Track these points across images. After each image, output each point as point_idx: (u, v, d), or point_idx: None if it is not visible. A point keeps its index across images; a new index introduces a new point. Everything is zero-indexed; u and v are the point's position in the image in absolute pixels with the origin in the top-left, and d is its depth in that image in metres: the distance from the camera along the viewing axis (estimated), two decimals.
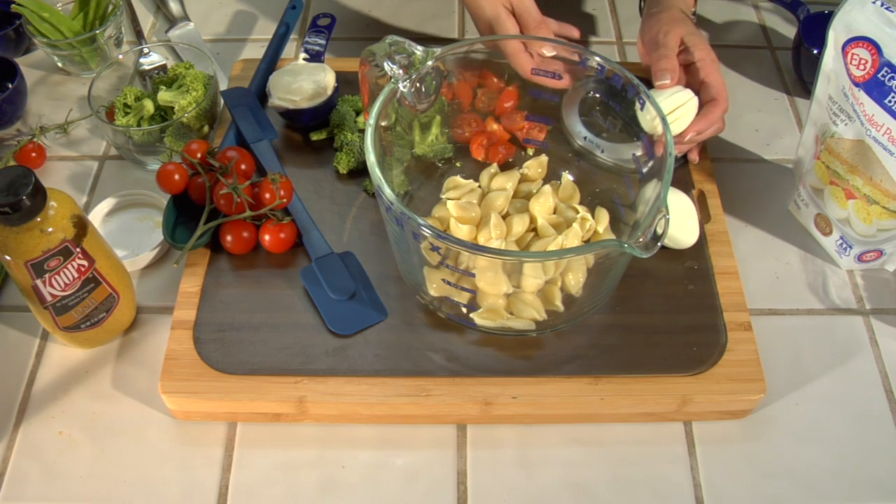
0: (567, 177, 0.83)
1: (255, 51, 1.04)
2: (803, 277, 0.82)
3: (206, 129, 0.91)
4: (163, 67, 0.97)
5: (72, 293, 0.69)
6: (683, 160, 0.87)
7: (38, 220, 0.64)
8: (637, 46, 0.89)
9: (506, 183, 0.80)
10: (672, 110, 0.79)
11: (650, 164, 0.72)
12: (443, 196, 0.82)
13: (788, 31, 1.08)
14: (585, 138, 0.82)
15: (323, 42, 0.95)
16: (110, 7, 1.00)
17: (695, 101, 0.80)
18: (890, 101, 0.69)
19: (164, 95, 0.90)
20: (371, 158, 0.67)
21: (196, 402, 0.70)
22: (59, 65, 1.00)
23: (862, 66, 0.71)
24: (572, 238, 0.74)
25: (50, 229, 0.65)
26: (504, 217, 0.77)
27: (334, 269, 0.77)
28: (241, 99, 0.90)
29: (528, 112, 0.84)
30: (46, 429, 0.71)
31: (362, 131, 0.85)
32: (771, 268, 0.83)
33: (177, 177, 0.80)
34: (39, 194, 0.64)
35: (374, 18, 1.10)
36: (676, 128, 0.80)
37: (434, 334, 0.74)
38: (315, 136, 0.89)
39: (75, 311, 0.71)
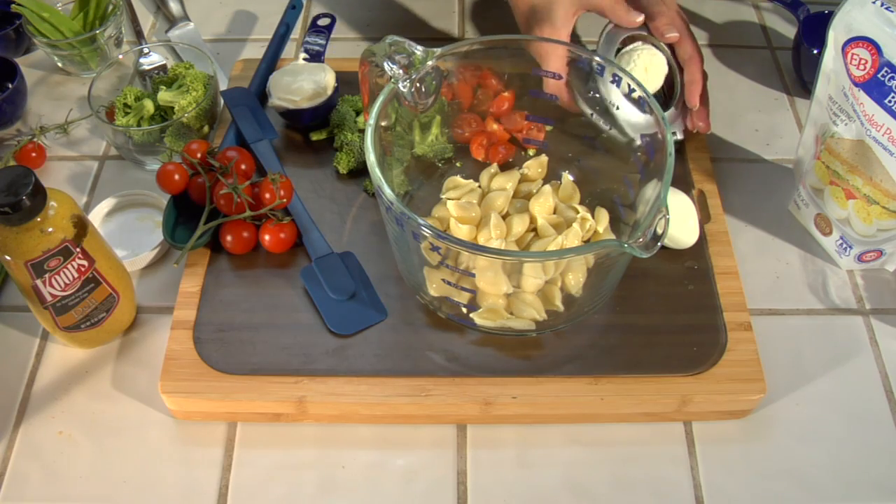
0: (567, 177, 0.83)
1: (255, 51, 1.04)
2: (803, 277, 0.82)
3: (206, 129, 0.91)
4: (163, 67, 0.97)
5: (72, 293, 0.69)
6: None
7: (38, 220, 0.64)
8: None
9: (506, 183, 0.80)
10: (644, 70, 0.80)
11: (649, 163, 0.72)
12: (443, 196, 0.82)
13: (788, 31, 1.08)
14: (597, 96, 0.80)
15: (323, 42, 0.95)
16: (110, 7, 1.00)
17: (660, 56, 0.80)
18: (890, 101, 0.69)
19: (164, 95, 0.90)
20: (371, 158, 0.67)
21: (196, 402, 0.70)
22: (59, 65, 1.00)
23: (862, 66, 0.71)
24: (572, 238, 0.74)
25: (50, 229, 0.65)
26: (504, 217, 0.77)
27: (334, 269, 0.77)
28: (241, 99, 0.90)
29: (528, 112, 0.84)
30: (46, 429, 0.71)
31: (362, 131, 0.85)
32: (771, 268, 0.83)
33: (177, 177, 0.80)
34: (39, 194, 0.64)
35: (374, 18, 1.09)
36: (651, 87, 0.80)
37: (434, 334, 0.74)
38: (315, 136, 0.89)
39: (75, 311, 0.71)
